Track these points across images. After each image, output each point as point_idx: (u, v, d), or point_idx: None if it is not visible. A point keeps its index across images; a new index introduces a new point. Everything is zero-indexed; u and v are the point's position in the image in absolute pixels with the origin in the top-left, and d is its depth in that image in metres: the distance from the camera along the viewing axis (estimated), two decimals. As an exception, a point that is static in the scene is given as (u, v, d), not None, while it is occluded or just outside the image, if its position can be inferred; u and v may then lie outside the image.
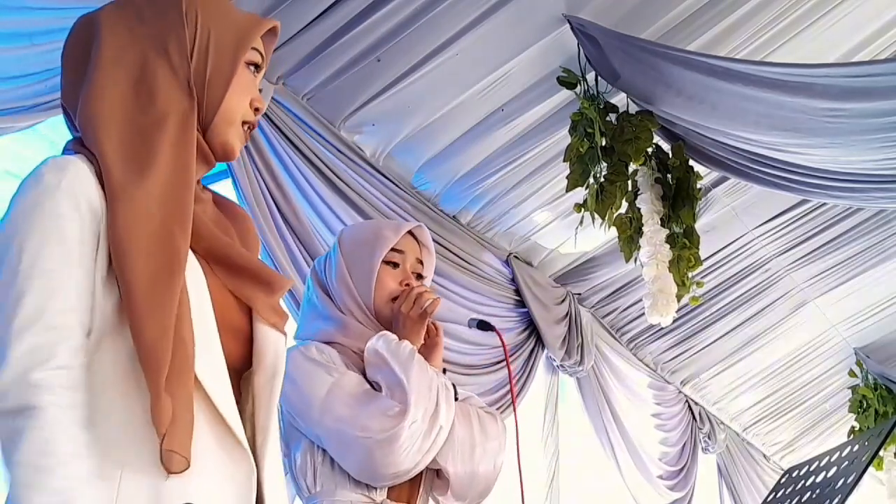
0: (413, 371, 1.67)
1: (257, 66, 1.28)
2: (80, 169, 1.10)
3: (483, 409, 1.85)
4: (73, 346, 1.04)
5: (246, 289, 1.20)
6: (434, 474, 1.75)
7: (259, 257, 1.31)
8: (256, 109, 1.27)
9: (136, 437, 1.04)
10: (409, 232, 1.87)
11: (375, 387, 1.71)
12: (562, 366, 4.57)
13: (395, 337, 1.74)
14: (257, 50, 1.27)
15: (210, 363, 1.11)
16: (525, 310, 4.33)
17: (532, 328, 4.38)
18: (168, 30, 1.21)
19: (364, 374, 1.74)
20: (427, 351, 1.82)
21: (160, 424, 1.02)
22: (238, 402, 1.15)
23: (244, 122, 1.26)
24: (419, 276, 1.87)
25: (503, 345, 1.89)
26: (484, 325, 1.97)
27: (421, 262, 1.88)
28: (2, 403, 0.99)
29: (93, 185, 1.10)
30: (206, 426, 1.08)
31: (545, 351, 4.46)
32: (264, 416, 1.18)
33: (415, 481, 1.73)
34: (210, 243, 1.19)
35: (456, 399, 1.78)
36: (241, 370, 1.21)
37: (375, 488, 1.67)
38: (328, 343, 1.77)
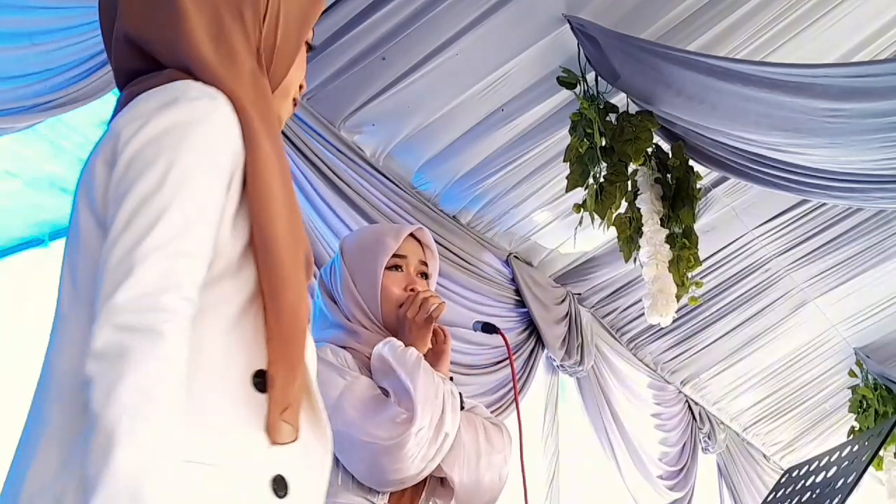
0: (419, 378, 1.67)
1: (310, 46, 1.29)
2: (227, 105, 1.05)
3: (489, 421, 1.85)
4: (199, 280, 0.96)
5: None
6: (437, 482, 1.75)
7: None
8: (300, 87, 1.26)
9: (237, 397, 0.99)
10: (411, 234, 1.87)
11: (385, 393, 1.72)
12: (562, 366, 4.57)
13: (400, 343, 1.74)
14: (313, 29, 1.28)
15: None
16: (525, 310, 4.34)
17: (532, 328, 4.38)
18: None
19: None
20: (434, 357, 1.82)
21: (288, 393, 0.98)
22: None
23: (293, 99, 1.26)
24: (425, 276, 1.87)
25: (508, 347, 1.89)
26: (489, 328, 1.97)
27: (425, 264, 1.88)
28: (122, 317, 0.89)
29: (236, 124, 1.05)
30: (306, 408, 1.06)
31: (545, 351, 4.46)
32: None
33: (417, 488, 1.73)
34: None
35: (463, 408, 1.78)
36: None
37: (378, 493, 1.67)
38: (342, 347, 1.77)
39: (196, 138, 1.00)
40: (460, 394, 1.79)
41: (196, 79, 1.07)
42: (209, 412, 0.96)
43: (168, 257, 0.93)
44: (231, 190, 1.03)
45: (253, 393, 1.00)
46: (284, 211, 1.05)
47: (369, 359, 1.76)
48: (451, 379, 1.81)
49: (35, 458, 0.95)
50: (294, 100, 1.26)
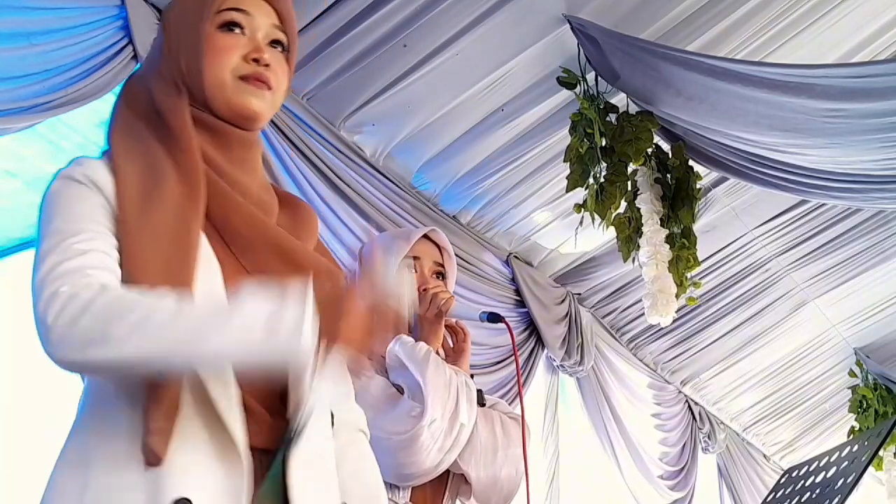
0: (429, 371, 1.69)
1: (234, 25, 1.27)
2: (91, 164, 1.18)
3: (508, 415, 1.86)
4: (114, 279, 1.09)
5: (283, 276, 1.14)
6: (461, 479, 1.76)
7: (314, 246, 1.31)
8: (255, 60, 1.25)
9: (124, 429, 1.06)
10: (426, 236, 1.89)
11: (401, 390, 1.73)
12: (562, 366, 4.57)
13: (411, 339, 1.76)
14: (231, 10, 1.26)
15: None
16: (525, 310, 4.34)
17: (532, 328, 4.38)
18: (157, 54, 1.30)
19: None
20: (456, 355, 1.85)
21: (150, 419, 1.04)
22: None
23: (242, 77, 1.24)
24: (441, 276, 1.90)
25: (511, 336, 1.91)
26: (494, 318, 2.00)
27: (441, 264, 1.90)
28: (75, 303, 1.02)
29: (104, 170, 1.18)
30: (204, 426, 1.07)
31: (545, 351, 4.46)
32: (292, 410, 1.12)
33: (439, 486, 1.74)
34: (230, 215, 1.19)
35: (483, 404, 1.79)
36: None
37: (399, 490, 1.68)
38: None
39: (58, 195, 1.19)
40: (480, 391, 1.80)
41: None
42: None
43: (83, 257, 1.11)
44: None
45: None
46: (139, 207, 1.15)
47: (384, 359, 1.79)
48: (472, 377, 1.83)
49: None
50: (249, 75, 1.25)
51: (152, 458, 1.02)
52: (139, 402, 1.05)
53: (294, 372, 1.08)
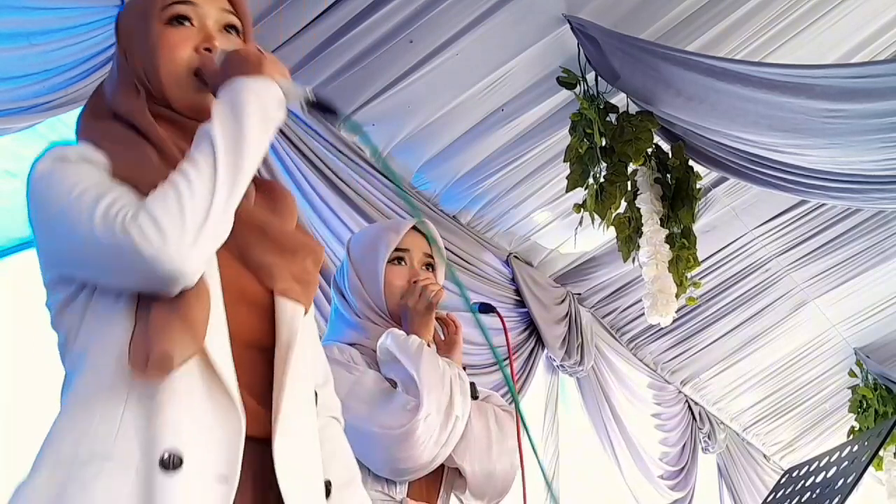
0: (423, 364, 1.69)
1: (182, 18, 1.27)
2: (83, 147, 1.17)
3: (501, 408, 1.86)
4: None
5: (265, 255, 1.20)
6: (456, 473, 1.76)
7: (294, 226, 1.31)
8: (207, 49, 1.25)
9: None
10: (415, 228, 1.89)
11: (394, 385, 1.73)
12: (562, 366, 4.57)
13: (402, 333, 1.76)
14: (177, 3, 1.26)
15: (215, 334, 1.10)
16: (525, 310, 4.33)
17: (532, 328, 4.38)
18: (115, 63, 1.32)
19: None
20: (447, 348, 1.85)
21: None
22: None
23: (196, 73, 1.24)
24: (431, 268, 1.89)
25: (504, 326, 1.92)
26: (486, 308, 2.00)
27: (430, 256, 1.90)
28: (115, 223, 1.03)
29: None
30: (205, 389, 1.07)
31: (545, 351, 4.46)
32: (276, 393, 1.14)
33: (435, 480, 1.74)
34: None
35: (476, 397, 1.79)
36: (269, 346, 1.18)
37: (395, 485, 1.68)
38: (350, 345, 1.80)
39: (65, 169, 1.16)
40: (472, 384, 1.80)
41: None
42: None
43: (110, 195, 1.10)
44: None
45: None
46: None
47: (376, 353, 1.79)
48: (465, 369, 1.83)
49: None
50: (199, 69, 1.25)
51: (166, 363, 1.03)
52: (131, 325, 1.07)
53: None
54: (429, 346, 1.78)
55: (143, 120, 1.21)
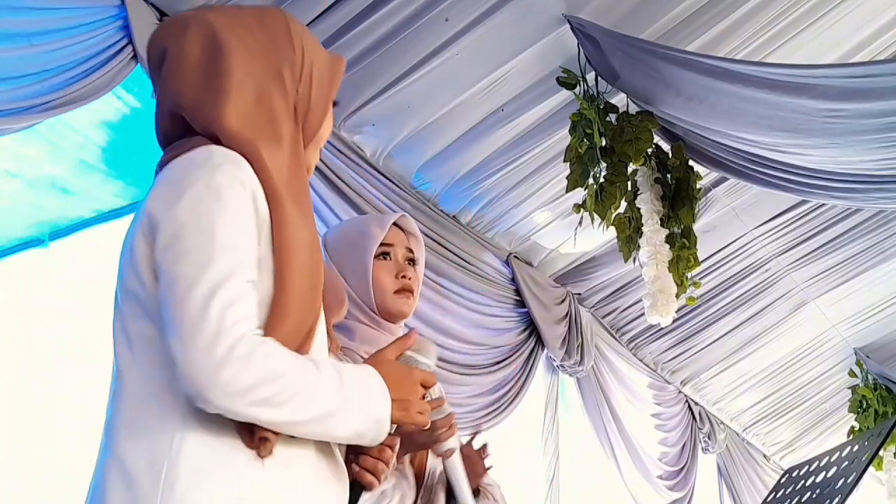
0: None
1: (335, 102, 1.38)
2: (249, 169, 1.18)
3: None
4: (253, 305, 1.12)
5: (331, 316, 1.34)
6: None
7: None
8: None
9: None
10: (394, 222, 1.88)
11: None
12: (562, 366, 4.57)
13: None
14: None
15: None
16: (525, 310, 4.33)
17: (532, 328, 4.38)
18: (281, 55, 1.27)
19: None
20: (468, 462, 1.72)
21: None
22: None
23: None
24: (412, 262, 1.88)
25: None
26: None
27: (411, 250, 1.88)
28: (222, 350, 1.04)
29: (258, 186, 1.18)
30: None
31: (545, 351, 4.46)
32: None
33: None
34: None
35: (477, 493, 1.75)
36: None
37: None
38: None
39: (226, 200, 1.13)
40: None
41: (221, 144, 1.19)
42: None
43: (231, 288, 1.08)
44: (260, 244, 1.16)
45: None
46: (306, 261, 1.18)
47: (363, 359, 1.75)
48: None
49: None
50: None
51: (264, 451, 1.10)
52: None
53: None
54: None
55: None
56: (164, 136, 1.28)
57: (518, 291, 4.30)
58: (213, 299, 1.05)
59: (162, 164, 1.24)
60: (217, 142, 1.19)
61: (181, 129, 1.24)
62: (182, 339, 1.05)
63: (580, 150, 3.30)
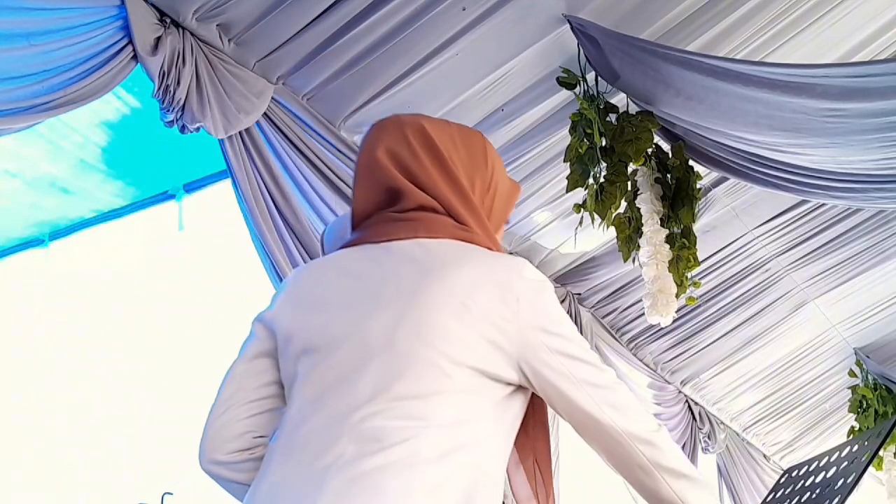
0: None
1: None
2: None
3: None
4: None
5: None
6: None
7: None
8: None
9: None
10: None
11: None
12: (562, 366, 4.56)
13: None
14: None
15: None
16: (525, 310, 4.33)
17: (532, 328, 4.37)
18: (477, 166, 1.42)
19: None
20: None
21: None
22: None
23: None
24: None
25: None
26: None
27: None
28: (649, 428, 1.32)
29: None
30: None
31: (545, 351, 4.45)
32: None
33: None
34: None
35: None
36: None
37: None
38: None
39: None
40: None
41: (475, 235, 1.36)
42: None
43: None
44: None
45: None
46: None
47: None
48: None
49: None
50: None
51: None
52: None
53: None
54: None
55: None
56: (385, 204, 1.44)
57: (518, 291, 4.29)
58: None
59: (438, 233, 1.37)
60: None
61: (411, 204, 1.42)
62: None
63: (580, 150, 3.30)
